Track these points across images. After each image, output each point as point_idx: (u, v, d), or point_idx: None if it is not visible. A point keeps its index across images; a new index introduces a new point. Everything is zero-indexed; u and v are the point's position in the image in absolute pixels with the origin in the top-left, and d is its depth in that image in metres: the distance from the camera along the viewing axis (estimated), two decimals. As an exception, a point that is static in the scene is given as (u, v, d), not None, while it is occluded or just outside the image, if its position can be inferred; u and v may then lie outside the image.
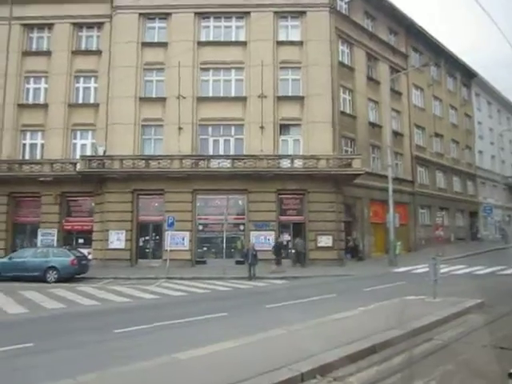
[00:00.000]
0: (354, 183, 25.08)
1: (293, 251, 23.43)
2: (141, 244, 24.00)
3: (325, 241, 23.30)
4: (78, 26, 26.48)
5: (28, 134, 26.03)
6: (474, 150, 43.77)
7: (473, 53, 78.22)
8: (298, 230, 23.90)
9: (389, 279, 17.05)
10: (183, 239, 23.10)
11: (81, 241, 24.60)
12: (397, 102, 31.65)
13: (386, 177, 24.81)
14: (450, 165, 38.60)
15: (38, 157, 25.60)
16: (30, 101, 26.29)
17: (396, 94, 31.67)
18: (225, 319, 10.18)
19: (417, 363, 6.32)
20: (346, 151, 26.73)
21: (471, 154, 43.24)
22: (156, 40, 25.75)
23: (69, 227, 24.84)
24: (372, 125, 29.28)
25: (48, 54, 26.23)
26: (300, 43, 25.34)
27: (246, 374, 5.39)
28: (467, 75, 43.16)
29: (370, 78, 29.75)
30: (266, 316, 10.31)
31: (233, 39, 25.63)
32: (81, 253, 20.21)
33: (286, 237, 24.02)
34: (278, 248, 22.13)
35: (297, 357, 6.02)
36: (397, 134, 31.10)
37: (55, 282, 17.67)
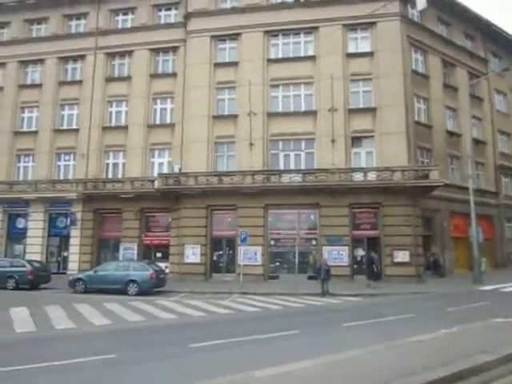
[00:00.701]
0: (432, 195, 23.89)
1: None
2: (215, 258, 24.55)
3: (401, 256, 22.32)
4: (155, 51, 28.12)
5: (111, 155, 27.86)
6: None
7: None
8: (372, 244, 23.16)
9: (473, 298, 15.90)
10: (255, 254, 23.29)
11: (159, 255, 25.68)
12: (477, 108, 29.85)
13: (466, 188, 23.35)
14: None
15: (120, 175, 27.27)
16: (113, 123, 28.17)
17: (476, 99, 29.89)
18: (298, 337, 10.02)
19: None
20: (422, 162, 25.62)
21: None
22: (227, 60, 26.60)
23: (148, 242, 26.06)
24: (450, 133, 27.84)
25: (128, 79, 28.09)
26: (370, 54, 24.88)
27: (322, 396, 5.23)
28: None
29: (446, 85, 28.40)
30: (341, 335, 10.02)
31: (301, 54, 25.79)
32: (159, 267, 21.03)
33: (360, 252, 23.35)
34: (371, 263, 21.37)
35: (379, 380, 5.75)
36: (478, 142, 29.29)
37: (135, 294, 18.53)
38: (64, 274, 25.03)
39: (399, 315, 12.53)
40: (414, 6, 25.08)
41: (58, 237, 27.48)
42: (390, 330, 10.38)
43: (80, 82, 28.70)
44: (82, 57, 28.95)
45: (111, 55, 28.78)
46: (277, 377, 6.25)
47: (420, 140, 25.48)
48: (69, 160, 28.33)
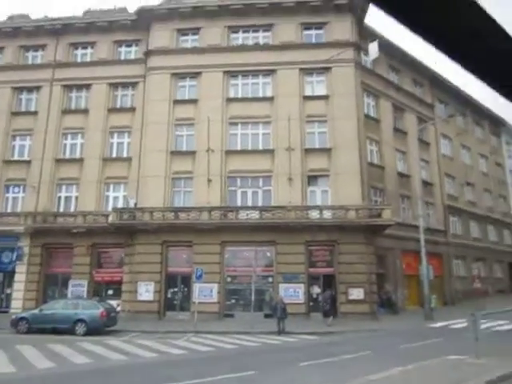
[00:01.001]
0: (385, 234, 24.61)
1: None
2: (169, 296, 23.87)
3: (356, 294, 22.58)
4: (114, 86, 28.00)
5: (63, 187, 26.95)
6: (509, 199, 42.62)
7: (502, 100, 77.82)
8: (328, 282, 23.36)
9: (425, 335, 16.22)
10: (211, 291, 22.87)
11: (110, 292, 24.70)
12: (425, 151, 31.52)
13: (417, 227, 24.27)
14: (484, 213, 37.52)
15: (72, 209, 26.36)
16: (67, 155, 27.45)
17: (424, 143, 31.59)
18: (254, 378, 9.81)
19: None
20: (376, 201, 26.50)
21: (506, 203, 42.09)
22: (187, 97, 26.86)
23: (99, 278, 25.06)
24: (401, 175, 29.11)
25: (85, 112, 27.68)
26: (326, 97, 25.90)
27: None
28: (495, 123, 42.89)
29: (396, 129, 29.92)
30: (297, 375, 9.89)
31: (260, 95, 26.50)
32: (110, 305, 20.18)
33: (316, 289, 23.45)
34: (332, 301, 21.29)
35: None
36: (427, 184, 30.73)
37: (84, 334, 17.61)
38: (6, 312, 23.52)
39: (354, 354, 12.57)
40: (367, 53, 26.71)
41: (1, 272, 25.93)
42: (345, 368, 10.37)
43: (34, 113, 27.99)
44: (38, 88, 28.35)
45: (68, 87, 28.38)
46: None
47: (373, 180, 26.44)
48: (18, 192, 27.18)
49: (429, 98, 34.04)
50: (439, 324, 20.11)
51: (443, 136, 34.78)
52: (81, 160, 26.86)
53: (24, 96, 28.94)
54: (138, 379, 9.75)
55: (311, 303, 23.06)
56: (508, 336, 15.62)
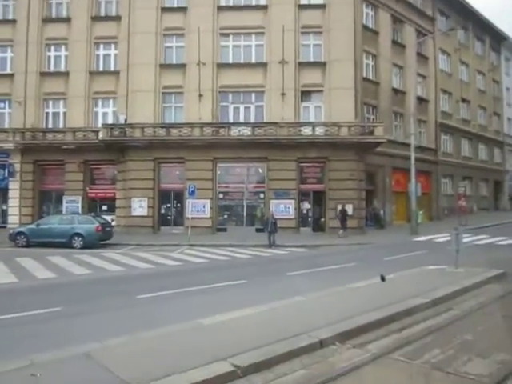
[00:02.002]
0: (376, 151, 24.71)
1: (322, 219, 23.62)
2: (163, 211, 24.38)
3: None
4: (97, -9, 26.12)
5: (50, 103, 26.25)
6: (503, 117, 42.41)
7: (505, 14, 74.43)
8: (318, 198, 23.86)
9: (410, 248, 16.97)
10: (204, 207, 23.34)
11: (104, 208, 25.10)
12: (423, 66, 30.64)
13: (408, 145, 24.30)
14: (477, 132, 37.51)
15: (61, 125, 25.88)
16: (52, 69, 26.35)
17: (422, 58, 30.61)
18: (245, 286, 10.37)
19: (436, 332, 6.37)
20: (368, 118, 26.25)
21: (499, 120, 41.94)
22: (175, 4, 25.31)
23: (93, 195, 25.34)
24: (395, 91, 28.52)
25: (68, 20, 26.08)
26: (322, 6, 24.54)
27: (266, 340, 5.52)
28: (496, 38, 41.37)
29: (395, 42, 28.78)
30: (285, 284, 10.45)
31: (253, 3, 25.04)
32: (105, 220, 20.67)
33: (306, 205, 24.01)
34: (343, 215, 21.97)
35: (316, 325, 6.12)
36: (421, 100, 30.29)
37: (81, 248, 18.20)
38: (4, 227, 24.00)
39: (340, 264, 13.21)
40: (367, -42, 24.81)
41: (-5, 189, 26.09)
42: (331, 277, 10.94)
43: (13, 22, 26.30)
44: (15, -7, 26.42)
45: (47, -7, 26.44)
46: (224, 323, 6.50)
47: (367, 96, 25.95)
48: (4, 108, 26.43)
49: (430, 9, 32.35)
50: (424, 238, 20.95)
51: (442, 51, 33.62)
52: (66, 73, 25.84)
53: (0, 2, 27.00)
54: (136, 287, 10.25)
55: (301, 218, 23.73)
56: (487, 249, 16.39)
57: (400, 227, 25.62)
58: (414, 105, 25.47)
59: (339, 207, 22.33)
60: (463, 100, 35.75)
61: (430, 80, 31.89)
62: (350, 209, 22.99)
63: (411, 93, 26.24)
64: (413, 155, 23.64)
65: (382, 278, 8.87)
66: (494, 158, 40.82)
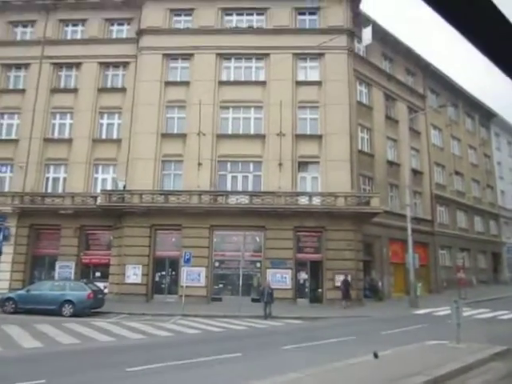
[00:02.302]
0: (373, 222, 24.82)
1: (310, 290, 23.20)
2: (157, 279, 23.92)
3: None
4: (105, 65, 27.55)
5: (51, 168, 26.67)
6: (496, 190, 43.17)
7: (492, 92, 78.30)
8: (315, 268, 23.57)
9: (409, 321, 16.52)
10: (199, 275, 22.96)
11: (98, 274, 24.66)
12: (415, 140, 31.70)
13: (404, 216, 24.49)
14: (472, 204, 38.00)
15: (60, 190, 26.11)
16: (56, 135, 27.09)
17: (414, 133, 31.76)
18: (240, 360, 9.95)
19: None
20: (364, 189, 26.66)
21: (493, 193, 42.65)
22: (179, 79, 26.56)
23: (87, 260, 25.00)
24: (390, 163, 29.25)
25: (75, 91, 27.23)
26: (318, 83, 25.80)
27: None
28: (486, 115, 43.18)
29: (388, 117, 29.99)
30: (282, 358, 10.04)
31: (252, 79, 26.28)
32: (97, 287, 20.19)
33: (303, 275, 23.66)
34: (346, 286, 21.91)
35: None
36: (416, 173, 30.98)
37: (70, 316, 17.61)
38: (-8, 293, 23.39)
39: (338, 338, 12.77)
40: (361, 41, 26.56)
41: (-12, 253, 25.72)
42: (329, 352, 10.55)
43: (22, 91, 27.50)
44: (27, 65, 27.80)
45: (58, 66, 27.87)
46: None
47: (363, 168, 26.55)
48: (5, 172, 26.84)
49: (420, 88, 34.09)
50: (423, 311, 20.48)
51: (433, 126, 34.95)
52: (69, 140, 26.53)
53: (12, 73, 28.37)
54: (126, 359, 9.81)
55: (298, 289, 23.29)
56: (488, 323, 15.97)
57: (399, 299, 25.12)
58: (408, 177, 26.01)
59: (341, 277, 22.08)
60: (457, 173, 36.58)
61: (424, 153, 32.83)
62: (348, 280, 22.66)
63: (406, 165, 26.90)
64: (409, 226, 23.74)
65: (375, 355, 8.56)
66: (490, 230, 40.98)
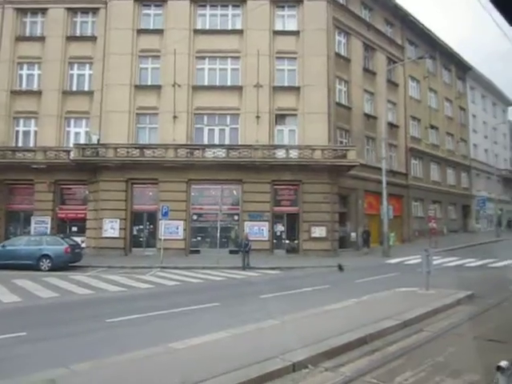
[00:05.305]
0: (349, 174, 25.13)
1: (287, 242, 23.73)
2: (135, 233, 23.98)
3: (318, 232, 23.33)
4: (73, 12, 26.13)
5: (21, 121, 25.78)
6: (469, 143, 43.98)
7: (469, 45, 78.14)
8: (292, 220, 23.96)
9: (382, 270, 17.15)
10: (177, 228, 23.09)
11: (74, 229, 24.53)
12: (393, 93, 31.63)
13: (380, 169, 24.84)
14: (445, 156, 38.70)
15: (32, 144, 25.38)
16: (24, 87, 25.96)
17: (392, 85, 31.64)
18: (218, 309, 10.23)
19: (408, 354, 6.40)
20: (341, 142, 26.74)
21: (466, 146, 43.44)
22: (152, 27, 25.47)
23: (62, 215, 24.75)
24: (367, 116, 29.25)
25: (42, 39, 25.87)
26: (296, 33, 25.16)
27: (239, 363, 5.43)
28: (462, 68, 43.19)
29: (366, 69, 29.65)
30: (259, 306, 10.36)
31: (229, 27, 25.39)
32: (74, 241, 20.12)
33: (280, 227, 24.06)
34: (367, 235, 25.30)
35: (289, 347, 6.08)
36: (392, 126, 31.15)
37: (48, 270, 17.61)
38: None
39: (314, 287, 13.20)
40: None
41: (-41, 209, 25.14)
42: (305, 300, 10.93)
43: (-15, 40, 25.96)
44: (-13, 11, 26.12)
45: (22, 11, 26.25)
46: (196, 347, 6.38)
47: (340, 121, 26.51)
48: (-28, 125, 25.79)
49: (399, 38, 33.64)
50: (396, 260, 21.24)
51: (411, 78, 34.87)
52: (39, 92, 25.48)
53: (-28, 20, 26.62)
54: (106, 311, 9.96)
55: (275, 240, 23.75)
56: (457, 270, 16.73)
57: (372, 250, 25.90)
58: (384, 130, 26.16)
59: (363, 228, 26.10)
60: (432, 126, 36.93)
61: (400, 106, 32.88)
62: (323, 231, 23.20)
63: (382, 118, 26.97)
64: (384, 179, 24.16)
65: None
66: (461, 182, 42.07)
